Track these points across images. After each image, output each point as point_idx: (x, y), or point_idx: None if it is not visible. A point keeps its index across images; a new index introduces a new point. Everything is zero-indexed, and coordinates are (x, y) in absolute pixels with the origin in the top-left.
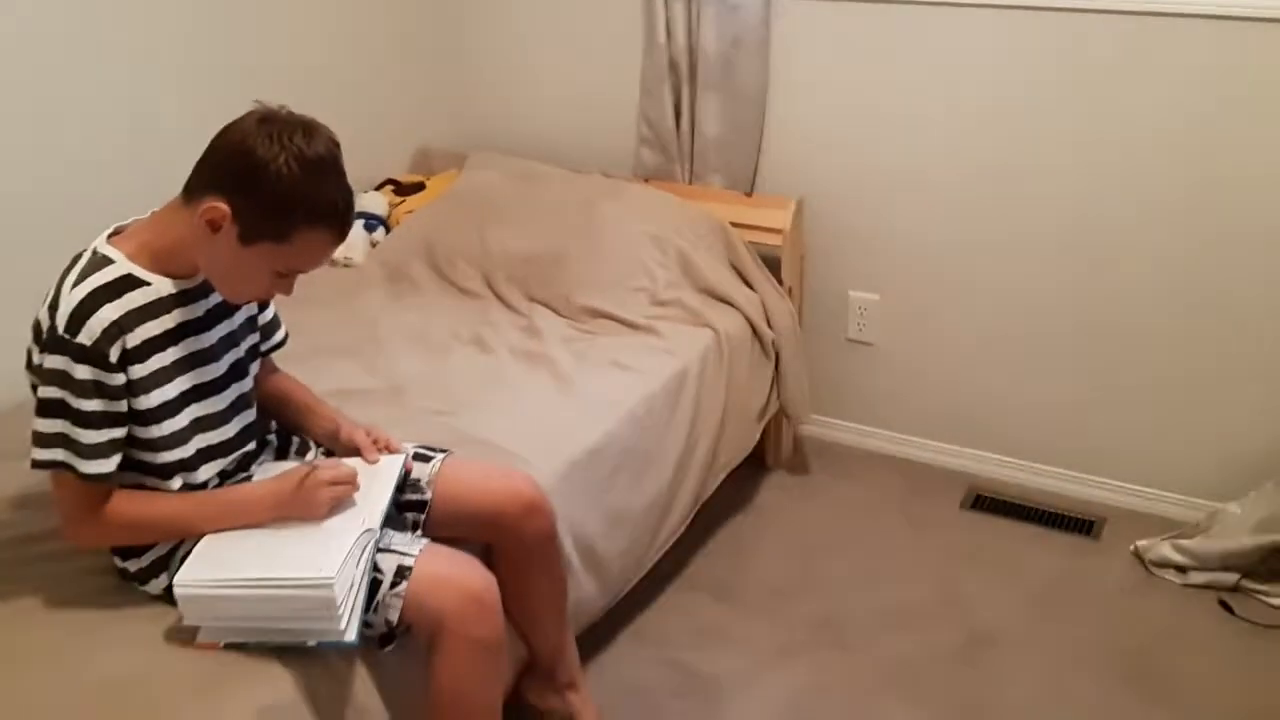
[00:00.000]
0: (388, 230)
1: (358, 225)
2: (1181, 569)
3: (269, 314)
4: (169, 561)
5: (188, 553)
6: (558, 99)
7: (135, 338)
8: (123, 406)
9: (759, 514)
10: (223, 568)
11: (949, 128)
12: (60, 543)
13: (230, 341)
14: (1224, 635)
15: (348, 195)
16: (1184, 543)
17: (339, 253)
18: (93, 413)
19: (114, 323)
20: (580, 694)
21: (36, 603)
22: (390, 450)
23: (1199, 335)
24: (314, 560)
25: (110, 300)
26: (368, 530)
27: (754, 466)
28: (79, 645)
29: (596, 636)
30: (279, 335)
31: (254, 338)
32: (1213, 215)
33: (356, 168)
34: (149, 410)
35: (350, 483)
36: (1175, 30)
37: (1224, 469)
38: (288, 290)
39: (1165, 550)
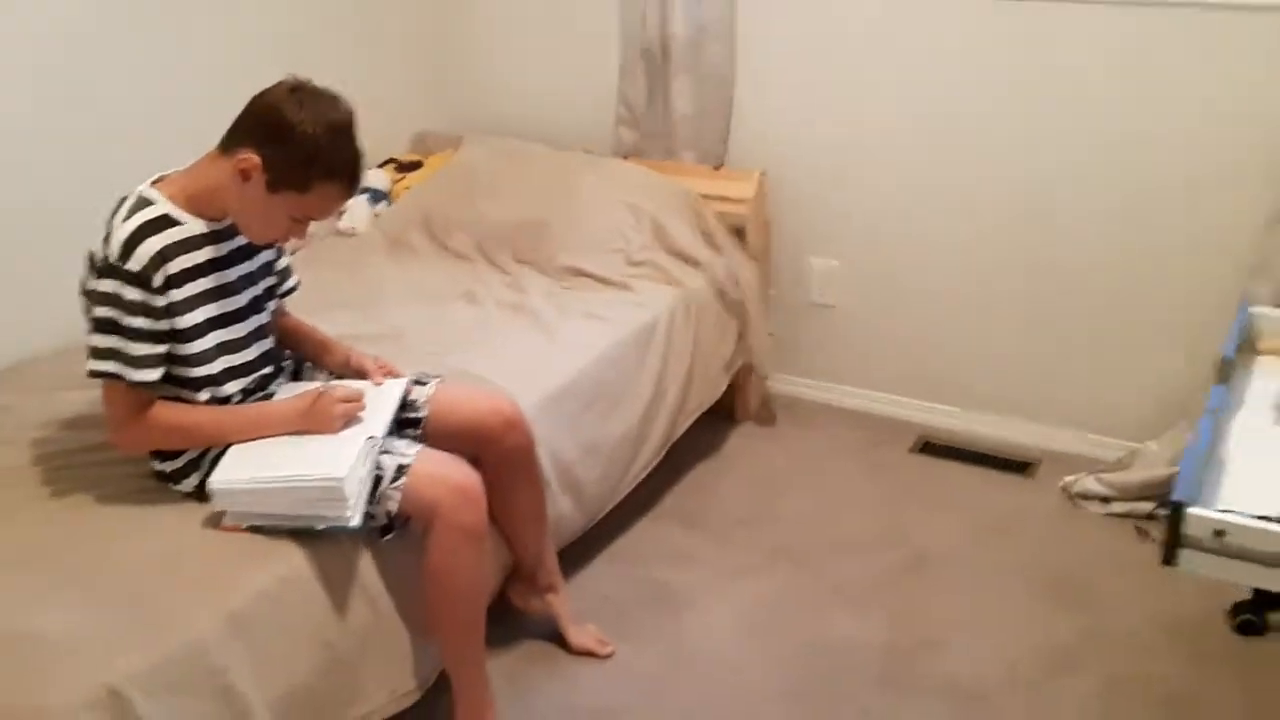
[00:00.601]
0: (389, 203)
1: (361, 198)
2: (1104, 500)
3: (284, 262)
4: (200, 463)
5: (217, 457)
6: (543, 84)
7: (175, 266)
8: (164, 325)
9: (727, 458)
10: (251, 468)
11: (900, 104)
12: (106, 453)
13: (249, 280)
14: (1138, 556)
15: (360, 157)
16: (1107, 476)
17: (345, 223)
18: (140, 329)
19: (158, 252)
20: (559, 596)
21: (88, 498)
22: (393, 375)
23: (1122, 287)
24: (328, 462)
25: (154, 234)
26: (371, 438)
27: (724, 419)
28: (128, 528)
29: (575, 556)
30: (292, 281)
31: (270, 280)
32: (1135, 172)
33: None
34: (183, 330)
35: (358, 401)
36: (1096, 11)
37: (1144, 411)
38: (302, 234)
39: (1090, 483)
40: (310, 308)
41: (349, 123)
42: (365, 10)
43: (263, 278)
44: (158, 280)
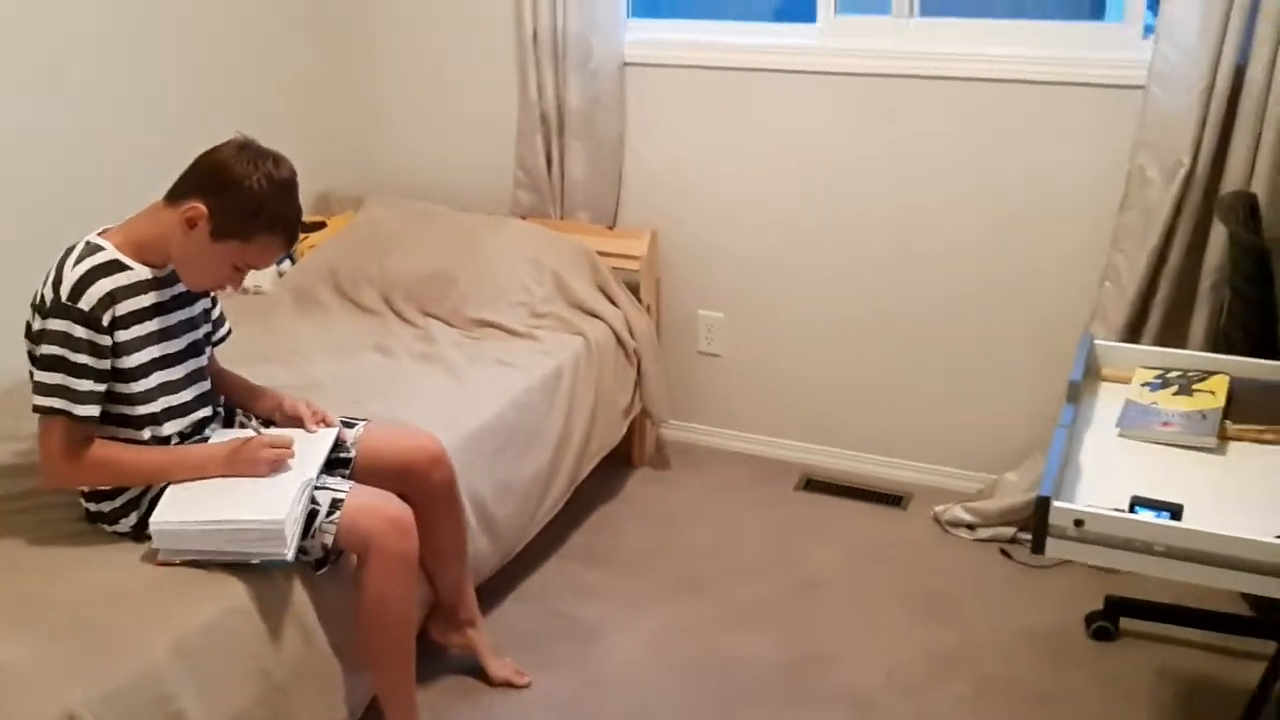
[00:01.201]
0: (294, 262)
1: None
2: (970, 526)
3: (218, 311)
4: (139, 503)
5: (155, 497)
6: (445, 150)
7: (122, 308)
8: (107, 365)
9: (627, 500)
10: (190, 510)
11: (773, 168)
12: (37, 498)
13: (189, 325)
14: (1003, 575)
15: (300, 213)
16: (972, 505)
17: (250, 282)
18: (85, 366)
19: (107, 294)
20: (478, 630)
21: (24, 541)
22: (326, 423)
23: (977, 333)
24: (267, 505)
25: (104, 277)
26: (307, 479)
27: (622, 464)
28: (72, 565)
29: (489, 594)
30: (224, 329)
31: (207, 327)
32: (983, 228)
33: None
34: (129, 369)
35: (287, 447)
36: (940, 85)
37: (1002, 446)
38: (238, 284)
39: (958, 512)
40: (228, 360)
41: (293, 180)
42: (265, 71)
43: (201, 324)
44: (106, 320)
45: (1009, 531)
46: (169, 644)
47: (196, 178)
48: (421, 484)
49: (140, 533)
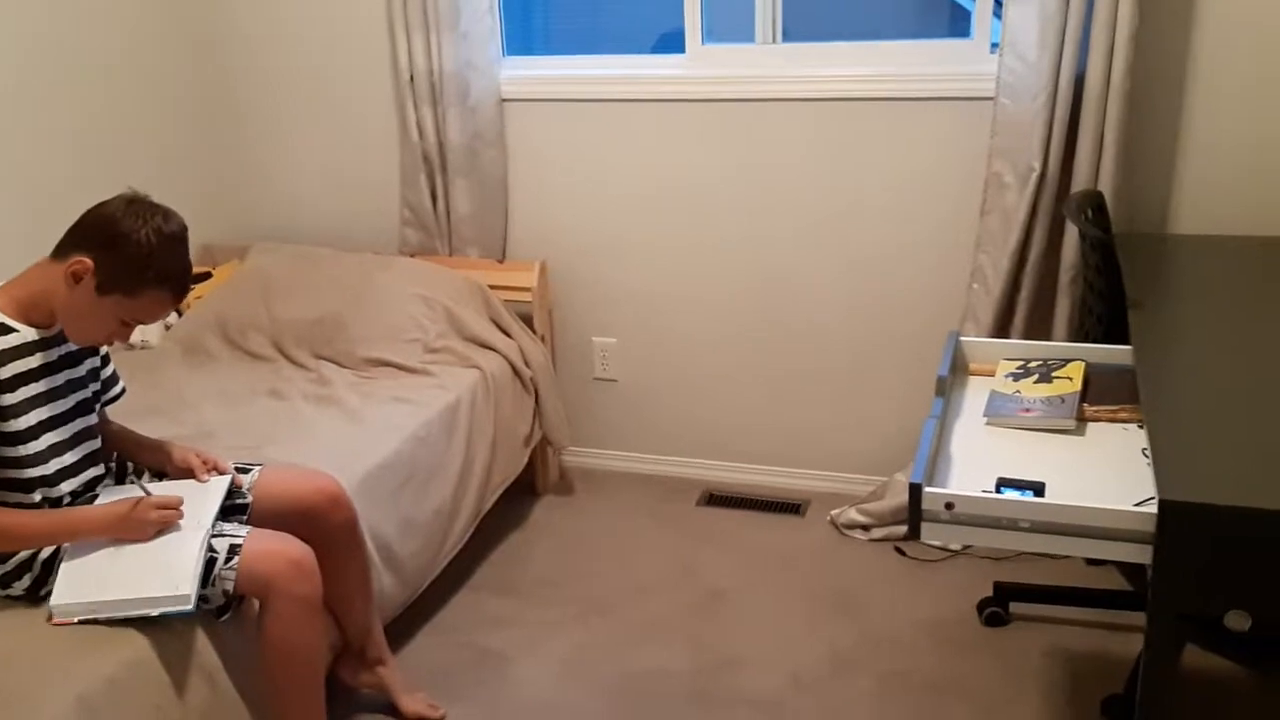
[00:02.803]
0: (179, 315)
1: None
2: (865, 528)
3: (109, 370)
4: (31, 565)
5: (47, 560)
6: (328, 193)
7: (8, 371)
8: None
9: (532, 528)
10: (90, 590)
11: (653, 194)
12: None
13: (76, 385)
14: (898, 571)
15: (190, 268)
16: (866, 506)
17: (136, 337)
18: None
19: None
20: (388, 667)
21: None
22: (219, 470)
23: (857, 346)
24: (169, 575)
25: None
26: (204, 530)
27: (527, 493)
28: None
29: (399, 630)
30: (117, 388)
31: (96, 386)
32: (854, 244)
33: None
34: (18, 432)
35: (175, 507)
36: (805, 107)
37: (889, 449)
38: (125, 338)
39: (852, 514)
40: (117, 415)
41: (182, 234)
42: (142, 125)
43: (89, 383)
44: None
45: (901, 530)
46: (70, 700)
47: (83, 232)
48: (322, 525)
49: (34, 594)
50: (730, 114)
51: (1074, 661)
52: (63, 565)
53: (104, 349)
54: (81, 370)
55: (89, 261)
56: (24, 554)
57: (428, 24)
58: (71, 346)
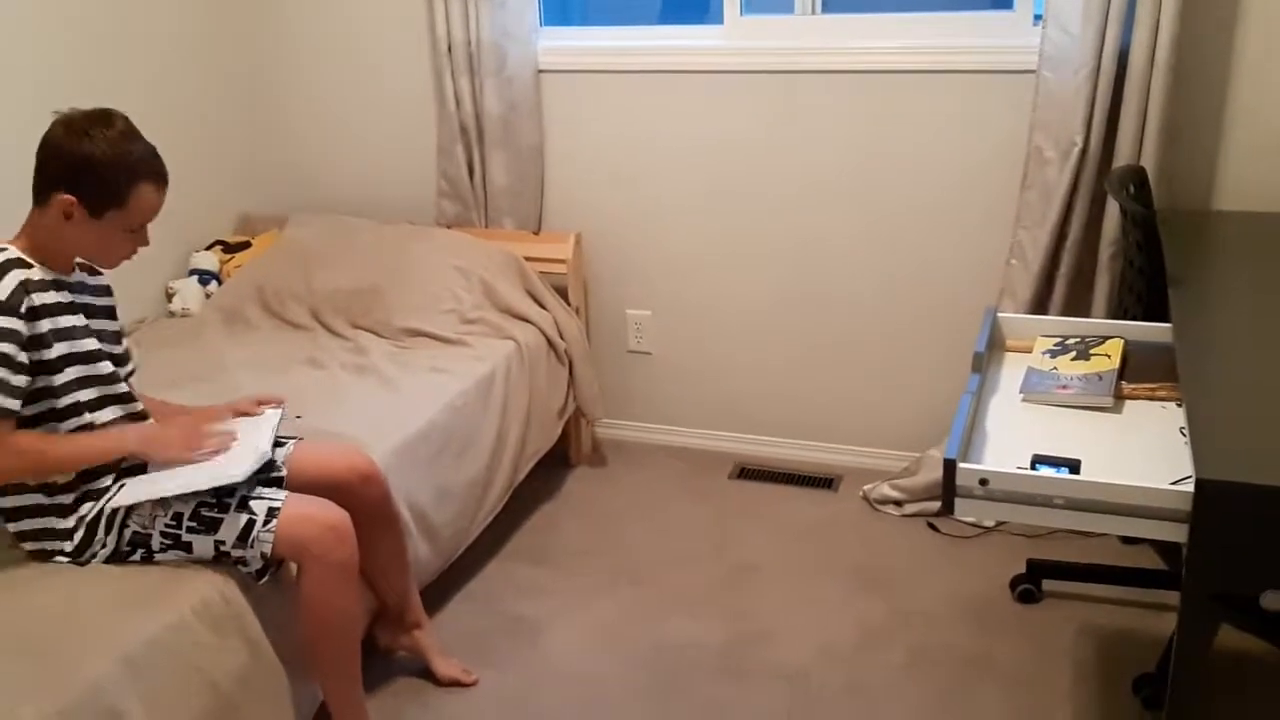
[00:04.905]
0: (220, 283)
1: (192, 280)
2: (898, 503)
3: (125, 344)
4: (76, 530)
5: (93, 519)
6: (365, 163)
7: (36, 299)
8: (26, 358)
9: (565, 499)
10: (156, 486)
11: (690, 166)
12: None
13: (96, 332)
14: (930, 547)
15: (153, 148)
16: (899, 482)
17: (177, 304)
18: (7, 355)
19: (21, 283)
20: (424, 631)
21: None
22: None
23: (894, 320)
24: (231, 464)
25: (14, 269)
26: (260, 451)
27: (560, 464)
28: (6, 589)
29: (434, 597)
30: (131, 364)
31: (118, 349)
32: (893, 220)
33: (186, 231)
34: (49, 361)
35: (229, 434)
36: (840, 79)
37: (923, 424)
38: (146, 240)
39: (885, 490)
40: (156, 384)
41: (128, 126)
42: (182, 96)
43: (110, 332)
44: (24, 307)
45: (934, 505)
46: (114, 659)
47: (48, 173)
48: (355, 501)
49: (79, 556)
50: (768, 86)
51: (1106, 640)
52: (125, 486)
53: (119, 320)
54: (101, 318)
55: (69, 196)
56: (71, 519)
57: None
58: (87, 296)
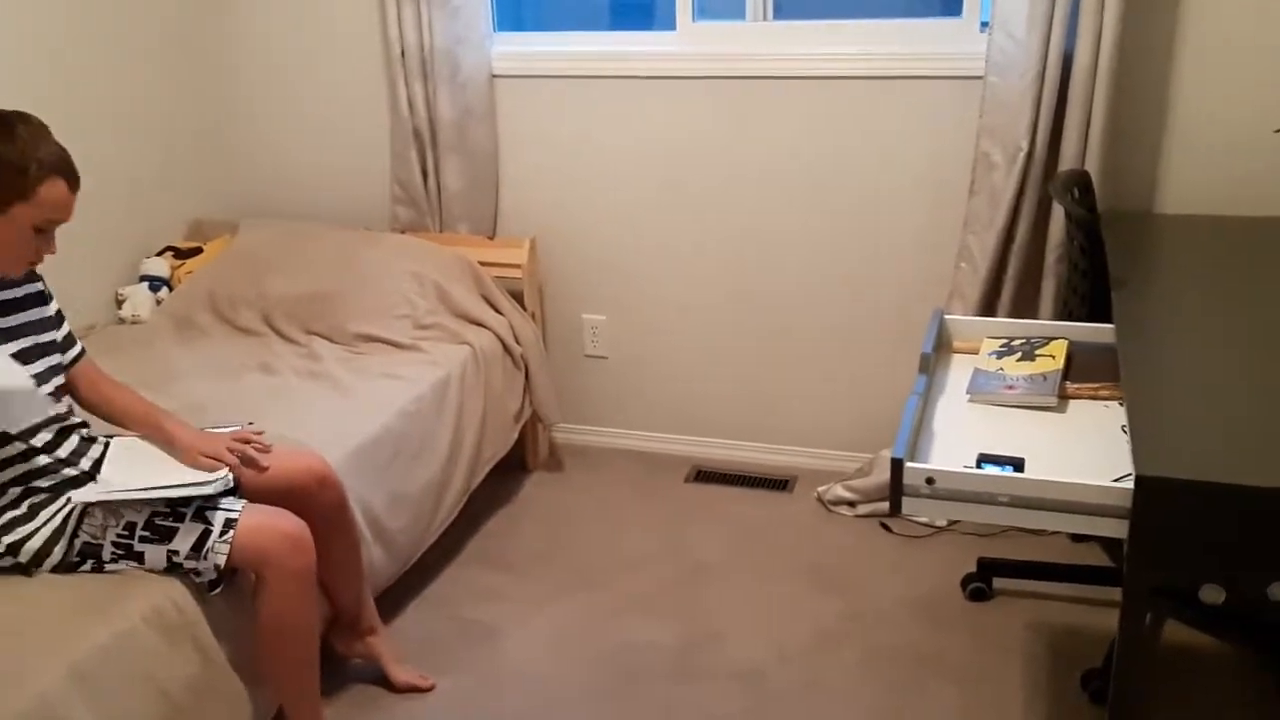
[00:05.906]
0: (171, 289)
1: (143, 286)
2: (852, 504)
3: (65, 329)
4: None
5: (57, 528)
6: (318, 169)
7: None
8: None
9: (522, 504)
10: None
11: (643, 171)
12: None
13: (33, 328)
14: (883, 547)
15: (65, 150)
16: (852, 483)
17: (127, 310)
18: None
19: None
20: (379, 637)
21: None
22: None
23: (843, 324)
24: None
25: None
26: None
27: (517, 469)
28: None
29: (389, 603)
30: (76, 349)
31: (57, 335)
32: (840, 223)
33: (136, 237)
34: None
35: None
36: (786, 85)
37: (875, 426)
38: (51, 247)
39: (839, 491)
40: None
41: (39, 126)
42: (133, 101)
43: (50, 328)
44: None
45: (886, 506)
46: (62, 669)
47: None
48: (310, 504)
49: (27, 569)
50: (721, 91)
51: (1055, 636)
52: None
53: (54, 306)
54: (33, 314)
55: None
56: (38, 522)
57: None
58: (15, 291)
